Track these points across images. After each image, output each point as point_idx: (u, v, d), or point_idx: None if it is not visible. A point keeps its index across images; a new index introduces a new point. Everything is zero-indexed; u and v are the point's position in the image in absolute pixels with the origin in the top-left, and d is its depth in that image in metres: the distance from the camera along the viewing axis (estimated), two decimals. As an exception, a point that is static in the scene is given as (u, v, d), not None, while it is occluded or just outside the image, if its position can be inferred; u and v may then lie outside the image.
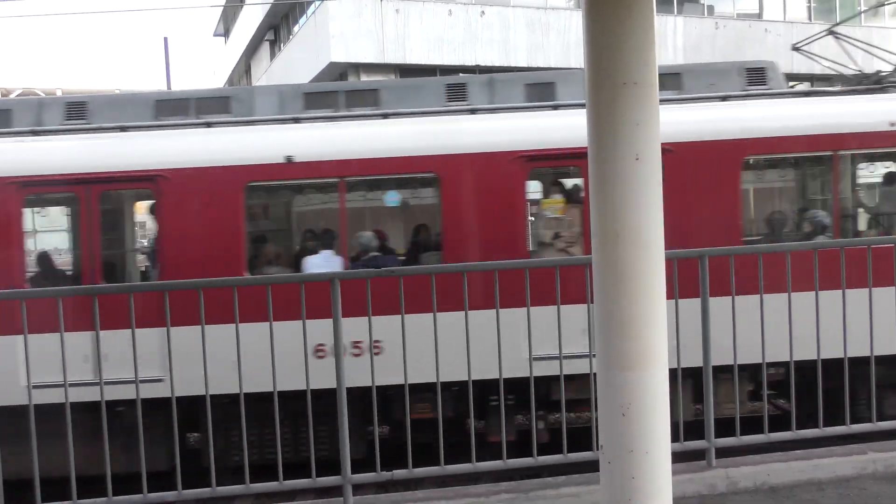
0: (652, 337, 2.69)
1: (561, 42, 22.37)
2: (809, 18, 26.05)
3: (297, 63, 24.77)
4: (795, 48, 9.49)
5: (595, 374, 2.93)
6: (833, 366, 5.33)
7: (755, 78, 8.04)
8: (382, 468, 5.05)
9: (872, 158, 8.37)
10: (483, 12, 21.81)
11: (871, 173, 8.59)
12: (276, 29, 29.95)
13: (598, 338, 2.83)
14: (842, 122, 7.44)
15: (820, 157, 7.71)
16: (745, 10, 25.41)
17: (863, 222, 8.16)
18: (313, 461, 4.99)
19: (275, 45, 30.43)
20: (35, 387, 4.78)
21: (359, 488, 5.13)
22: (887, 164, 8.39)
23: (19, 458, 5.13)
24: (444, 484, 5.52)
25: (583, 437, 5.49)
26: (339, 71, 21.78)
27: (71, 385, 4.82)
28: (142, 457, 4.90)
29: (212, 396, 4.93)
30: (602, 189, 2.69)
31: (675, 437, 5.24)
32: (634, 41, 2.57)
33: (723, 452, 5.28)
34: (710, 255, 5.23)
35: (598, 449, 2.97)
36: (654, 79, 2.59)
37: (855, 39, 9.11)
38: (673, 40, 23.56)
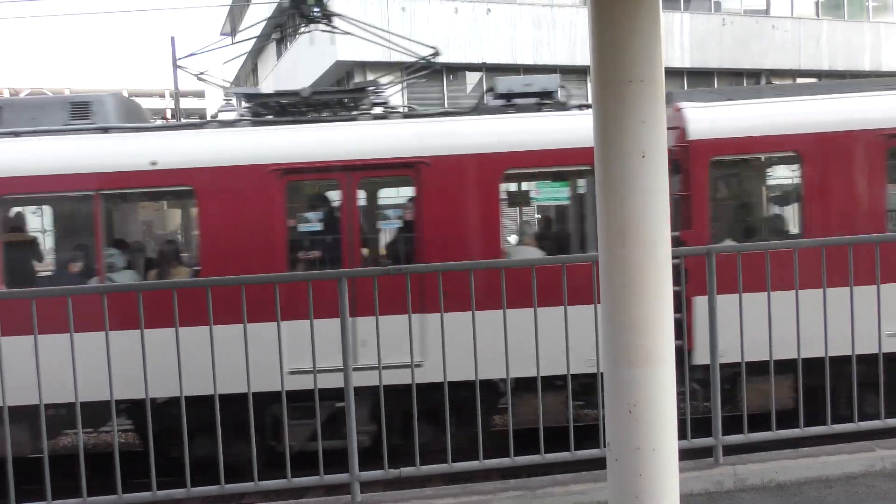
0: (659, 334, 2.69)
1: (567, 39, 22.32)
2: (817, 14, 25.91)
3: (303, 62, 24.80)
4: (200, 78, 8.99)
5: (602, 372, 2.94)
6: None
7: (79, 112, 7.75)
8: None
9: (137, 198, 8.23)
10: (489, 10, 21.79)
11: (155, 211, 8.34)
12: (282, 28, 30.00)
13: (604, 336, 2.84)
14: (103, 162, 7.20)
15: (83, 195, 7.31)
16: (752, 7, 25.30)
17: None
18: (321, 458, 5.02)
19: (281, 44, 30.46)
20: None
21: (367, 485, 5.15)
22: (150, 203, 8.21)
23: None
24: (452, 481, 5.54)
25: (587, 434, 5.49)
26: (346, 69, 21.79)
27: None
28: (151, 453, 4.93)
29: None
30: (608, 187, 2.69)
31: (682, 435, 5.26)
32: (641, 38, 2.57)
33: (730, 450, 5.27)
34: (716, 252, 5.23)
35: (605, 446, 2.98)
36: (661, 76, 2.59)
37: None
38: (679, 37, 23.48)
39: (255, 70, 36.97)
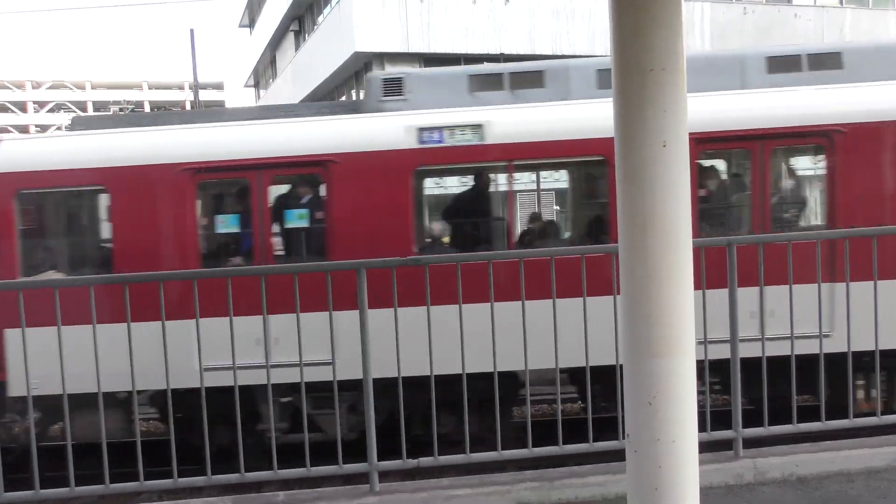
0: (679, 325, 2.66)
1: (586, 29, 22.16)
2: (841, 2, 25.52)
3: (321, 53, 24.82)
4: None
5: (621, 363, 2.93)
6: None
7: None
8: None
9: None
10: (507, 0, 21.69)
11: None
12: (300, 19, 30.03)
13: (623, 326, 2.82)
14: None
15: None
16: (774, -5, 24.97)
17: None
18: (340, 448, 5.05)
19: (299, 35, 30.51)
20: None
21: (385, 475, 5.17)
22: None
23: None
24: (469, 472, 5.55)
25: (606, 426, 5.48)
26: (364, 61, 21.80)
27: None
28: (172, 441, 4.98)
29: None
30: (629, 177, 2.66)
31: (701, 427, 5.21)
32: (662, 26, 2.53)
33: (750, 443, 5.24)
34: (737, 244, 5.18)
35: (623, 438, 2.96)
36: (682, 65, 2.56)
37: None
38: (700, 26, 23.22)
39: (273, 62, 37.08)
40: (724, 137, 7.19)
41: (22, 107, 79.39)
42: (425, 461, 5.11)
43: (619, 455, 4.11)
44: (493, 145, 7.22)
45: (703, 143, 6.99)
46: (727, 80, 7.53)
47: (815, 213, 7.66)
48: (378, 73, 8.13)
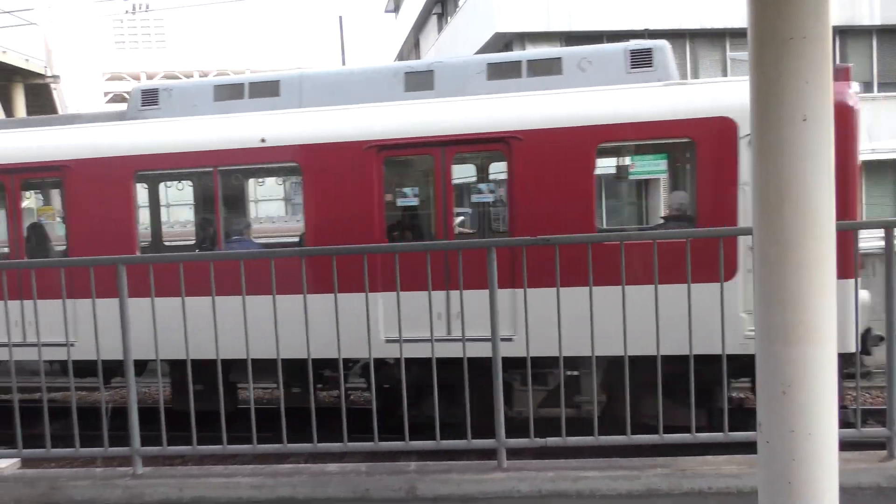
0: (819, 311, 2.50)
1: (739, 1, 20.88)
2: None
3: (463, 35, 25.00)
4: None
5: (756, 350, 2.79)
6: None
7: None
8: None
9: None
10: (654, -27, 20.84)
11: None
12: (443, 2, 30.37)
13: (758, 311, 2.68)
14: None
15: None
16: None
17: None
18: (469, 423, 5.15)
19: (442, 18, 30.87)
20: None
21: (513, 453, 5.22)
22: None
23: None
24: (597, 455, 5.50)
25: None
26: (505, 41, 21.73)
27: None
28: (312, 408, 5.28)
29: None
30: (766, 153, 2.52)
31: (851, 424, 4.88)
32: (805, -9, 2.38)
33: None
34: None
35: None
36: (827, 33, 2.38)
37: None
38: (867, -12, 21.23)
39: (417, 45, 37.76)
40: None
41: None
42: (553, 441, 5.11)
43: (755, 447, 3.91)
44: None
45: None
46: None
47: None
48: None
